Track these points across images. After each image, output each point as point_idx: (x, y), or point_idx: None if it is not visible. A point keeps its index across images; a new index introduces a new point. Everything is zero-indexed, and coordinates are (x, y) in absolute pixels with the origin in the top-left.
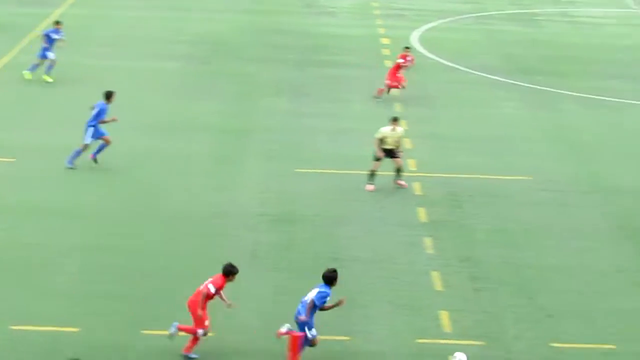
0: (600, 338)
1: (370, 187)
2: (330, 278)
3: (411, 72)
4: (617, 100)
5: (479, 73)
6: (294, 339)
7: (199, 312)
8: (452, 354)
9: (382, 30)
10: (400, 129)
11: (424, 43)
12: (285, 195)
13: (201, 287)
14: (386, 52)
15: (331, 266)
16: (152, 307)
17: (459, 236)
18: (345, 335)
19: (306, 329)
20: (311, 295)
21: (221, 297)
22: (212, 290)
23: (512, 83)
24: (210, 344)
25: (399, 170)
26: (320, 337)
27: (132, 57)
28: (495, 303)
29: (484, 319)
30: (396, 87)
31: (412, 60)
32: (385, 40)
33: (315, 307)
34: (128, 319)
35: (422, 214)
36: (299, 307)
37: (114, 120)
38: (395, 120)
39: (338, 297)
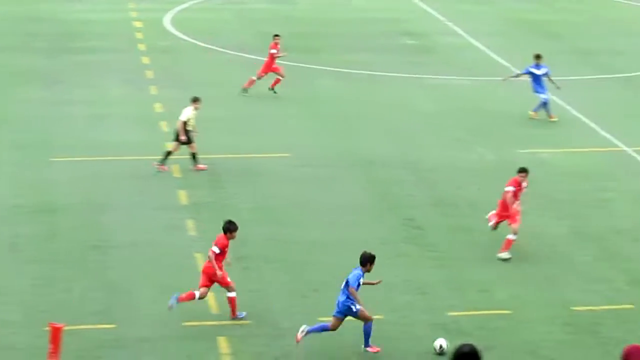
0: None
1: (202, 166)
2: (365, 260)
3: (166, 54)
4: (368, 72)
5: (234, 52)
6: (55, 330)
7: (218, 272)
8: (220, 334)
9: (134, 14)
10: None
11: (177, 25)
12: (42, 185)
13: (209, 253)
14: (139, 35)
15: (93, 253)
16: None
17: (222, 217)
18: (111, 323)
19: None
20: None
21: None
22: (217, 250)
23: None
24: None
25: (168, 154)
26: (85, 327)
27: None
28: (262, 281)
29: (251, 298)
30: (279, 79)
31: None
32: (137, 24)
33: (348, 286)
34: None
35: (183, 196)
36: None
37: None
38: (196, 100)
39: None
